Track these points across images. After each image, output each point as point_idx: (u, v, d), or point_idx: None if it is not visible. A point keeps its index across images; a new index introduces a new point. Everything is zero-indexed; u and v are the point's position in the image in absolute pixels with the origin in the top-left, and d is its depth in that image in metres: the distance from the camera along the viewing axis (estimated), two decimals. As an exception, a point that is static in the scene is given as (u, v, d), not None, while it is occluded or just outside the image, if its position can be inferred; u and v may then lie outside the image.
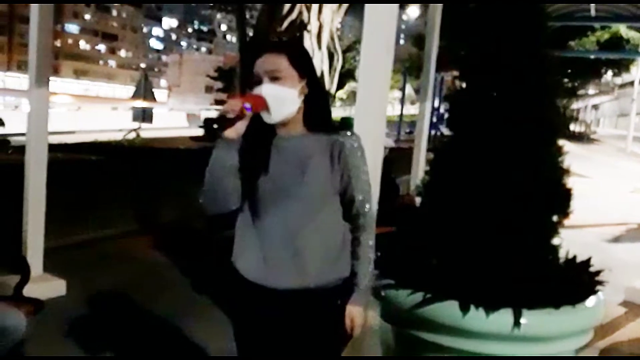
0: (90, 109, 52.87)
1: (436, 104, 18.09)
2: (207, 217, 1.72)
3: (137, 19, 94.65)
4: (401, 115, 30.28)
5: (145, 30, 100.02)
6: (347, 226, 1.80)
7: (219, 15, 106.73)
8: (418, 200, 2.84)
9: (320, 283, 1.73)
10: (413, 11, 29.21)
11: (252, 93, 1.68)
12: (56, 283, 4.22)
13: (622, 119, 45.31)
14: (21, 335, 2.46)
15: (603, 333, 3.92)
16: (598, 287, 2.45)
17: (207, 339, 3.59)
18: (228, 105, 1.60)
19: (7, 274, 3.67)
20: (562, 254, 2.53)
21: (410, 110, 35.19)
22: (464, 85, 2.62)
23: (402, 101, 30.74)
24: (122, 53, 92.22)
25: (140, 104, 17.73)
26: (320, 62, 14.35)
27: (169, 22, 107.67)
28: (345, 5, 15.02)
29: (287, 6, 13.48)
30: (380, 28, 2.59)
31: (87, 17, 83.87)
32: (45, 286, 4.06)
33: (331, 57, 15.68)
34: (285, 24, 13.61)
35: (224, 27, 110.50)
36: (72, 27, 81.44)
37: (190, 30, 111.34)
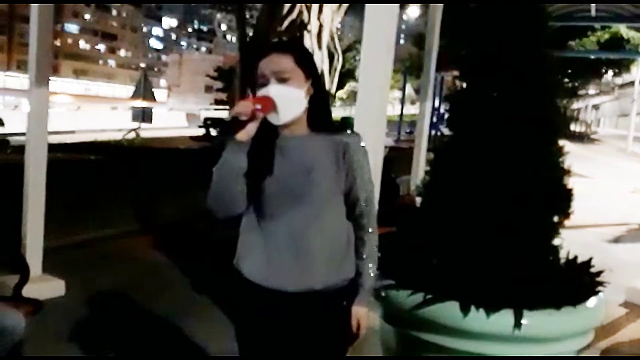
0: (90, 108, 52.96)
1: (436, 104, 18.08)
2: (209, 216, 1.70)
3: (137, 18, 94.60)
4: (401, 115, 30.30)
5: (145, 30, 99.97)
6: (351, 226, 1.79)
7: (219, 15, 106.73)
8: (418, 200, 2.84)
9: (327, 285, 1.71)
10: (413, 11, 29.24)
11: (259, 94, 1.66)
12: (55, 283, 4.22)
13: (623, 119, 45.31)
14: (20, 336, 2.45)
15: (604, 334, 3.91)
16: (599, 288, 2.45)
17: (207, 339, 3.58)
18: (240, 108, 1.57)
19: (6, 274, 3.66)
20: (562, 254, 2.53)
21: (410, 110, 35.18)
22: (464, 85, 2.62)
23: (402, 101, 30.76)
24: (122, 53, 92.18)
25: (140, 103, 17.76)
26: (320, 62, 14.33)
27: (169, 21, 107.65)
28: (345, 5, 15.02)
29: (287, 6, 13.48)
30: (381, 28, 2.58)
31: (87, 16, 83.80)
32: (45, 286, 4.06)
33: (331, 57, 15.69)
34: (286, 23, 13.61)
35: (224, 27, 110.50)
36: (72, 27, 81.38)
37: (190, 30, 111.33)
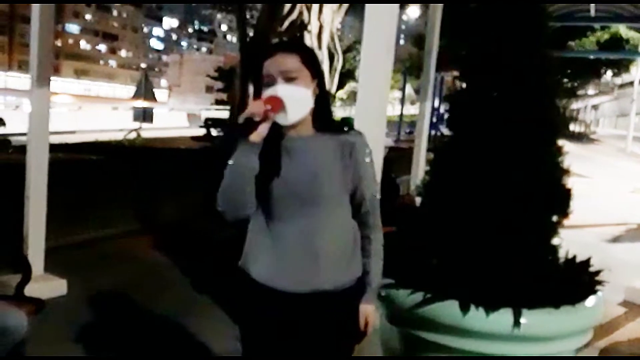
0: (91, 108, 52.89)
1: (436, 104, 18.07)
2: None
3: (138, 19, 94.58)
4: (401, 115, 30.31)
5: (145, 30, 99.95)
6: (356, 225, 1.80)
7: (219, 15, 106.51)
8: (418, 200, 2.84)
9: (336, 285, 1.71)
10: (413, 11, 29.19)
11: (266, 94, 1.64)
12: (57, 283, 4.23)
13: (622, 119, 45.29)
14: (22, 335, 2.46)
15: (603, 333, 3.92)
16: (598, 287, 2.45)
17: (208, 339, 3.59)
18: (253, 108, 1.55)
19: (9, 273, 3.69)
20: (562, 254, 2.53)
21: (410, 110, 35.21)
22: (464, 85, 2.63)
23: (402, 101, 30.77)
24: (123, 53, 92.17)
25: (141, 103, 17.75)
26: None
27: (170, 22, 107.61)
28: (345, 6, 15.04)
29: (287, 6, 13.49)
30: (381, 28, 2.59)
31: (88, 17, 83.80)
32: (46, 286, 4.07)
33: (331, 57, 15.71)
34: (286, 24, 13.62)
35: (224, 27, 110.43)
36: (73, 27, 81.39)
37: (190, 30, 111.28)
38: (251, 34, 13.88)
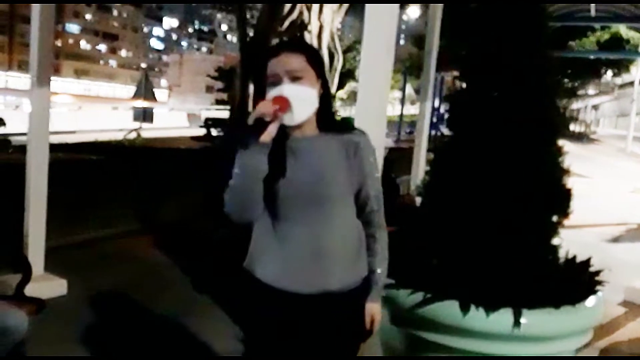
0: (91, 108, 52.93)
1: (436, 104, 18.06)
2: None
3: (138, 18, 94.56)
4: (401, 115, 30.31)
5: (145, 30, 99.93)
6: (361, 225, 1.79)
7: (219, 15, 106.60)
8: (418, 200, 2.84)
9: (342, 285, 1.71)
10: (413, 11, 29.15)
11: (272, 93, 1.62)
12: (57, 282, 4.23)
13: (622, 119, 45.31)
14: (22, 335, 2.46)
15: (603, 333, 3.92)
16: (598, 287, 2.46)
17: (208, 338, 3.59)
18: (263, 108, 1.54)
19: (9, 273, 3.68)
20: (562, 254, 2.54)
21: (410, 110, 35.20)
22: (464, 85, 2.63)
23: (402, 101, 30.76)
24: (123, 53, 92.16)
25: (141, 103, 17.74)
26: (320, 62, 14.31)
27: (170, 22, 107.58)
28: (345, 6, 15.02)
29: (287, 6, 13.48)
30: (381, 28, 2.59)
31: (88, 17, 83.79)
32: (47, 286, 4.07)
33: (331, 57, 15.69)
34: (286, 24, 13.61)
35: (224, 27, 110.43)
36: (73, 27, 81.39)
37: (190, 30, 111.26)
38: (251, 34, 13.87)
